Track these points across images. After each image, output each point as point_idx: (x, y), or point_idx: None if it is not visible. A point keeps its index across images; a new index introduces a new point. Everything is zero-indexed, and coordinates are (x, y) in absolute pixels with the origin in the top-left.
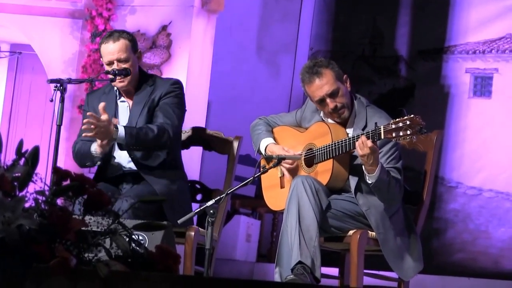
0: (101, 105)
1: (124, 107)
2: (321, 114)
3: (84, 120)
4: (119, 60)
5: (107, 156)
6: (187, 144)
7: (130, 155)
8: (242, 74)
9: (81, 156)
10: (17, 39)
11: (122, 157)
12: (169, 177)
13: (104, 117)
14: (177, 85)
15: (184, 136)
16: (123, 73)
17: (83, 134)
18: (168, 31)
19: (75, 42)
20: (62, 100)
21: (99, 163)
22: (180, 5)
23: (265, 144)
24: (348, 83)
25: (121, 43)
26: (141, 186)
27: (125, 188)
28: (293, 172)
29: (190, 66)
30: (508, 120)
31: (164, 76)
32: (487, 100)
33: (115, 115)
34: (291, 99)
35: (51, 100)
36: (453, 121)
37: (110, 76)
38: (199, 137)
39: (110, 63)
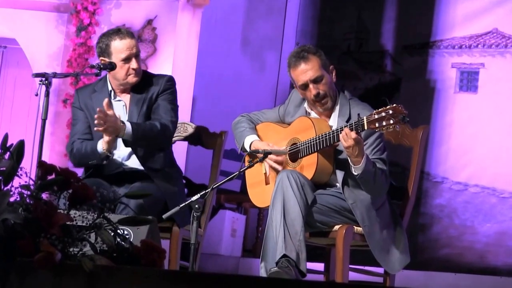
0: (105, 101)
1: (120, 106)
2: (305, 104)
3: (95, 116)
4: (136, 55)
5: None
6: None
7: (135, 154)
8: (227, 68)
9: (82, 155)
10: (2, 33)
11: (121, 155)
12: (170, 176)
13: (110, 112)
14: (171, 82)
15: None
16: (109, 67)
17: (95, 129)
18: (153, 25)
19: (60, 36)
20: (47, 94)
21: (105, 162)
22: None
23: (250, 141)
24: (333, 74)
25: (134, 39)
26: (151, 185)
27: (125, 186)
28: (279, 167)
29: (175, 60)
30: (494, 115)
31: (150, 70)
32: (473, 95)
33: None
34: (277, 94)
35: (36, 94)
36: (439, 116)
37: (96, 71)
38: (185, 131)
39: (128, 59)
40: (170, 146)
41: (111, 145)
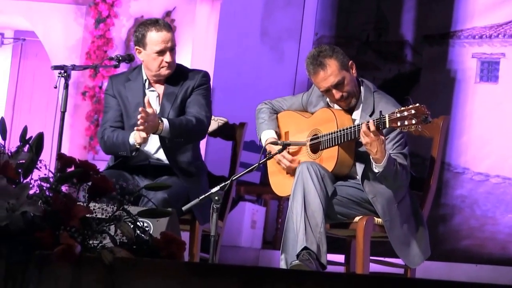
0: (146, 98)
1: (154, 96)
2: (327, 99)
3: (138, 116)
4: (171, 49)
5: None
6: None
7: (163, 147)
8: (246, 60)
9: (113, 144)
10: (21, 26)
11: (150, 147)
12: (196, 171)
13: (150, 110)
14: (207, 77)
15: None
16: (127, 59)
17: (135, 128)
18: (172, 17)
19: (79, 28)
20: (66, 87)
21: (134, 153)
22: None
23: (265, 138)
24: (353, 70)
25: (171, 32)
26: (175, 180)
27: (149, 179)
28: (297, 156)
29: (194, 52)
30: None
31: None
32: (494, 85)
33: (143, 104)
34: (295, 85)
35: (55, 87)
36: (460, 107)
37: (114, 63)
38: None
39: (162, 52)
40: (199, 141)
41: (146, 141)
